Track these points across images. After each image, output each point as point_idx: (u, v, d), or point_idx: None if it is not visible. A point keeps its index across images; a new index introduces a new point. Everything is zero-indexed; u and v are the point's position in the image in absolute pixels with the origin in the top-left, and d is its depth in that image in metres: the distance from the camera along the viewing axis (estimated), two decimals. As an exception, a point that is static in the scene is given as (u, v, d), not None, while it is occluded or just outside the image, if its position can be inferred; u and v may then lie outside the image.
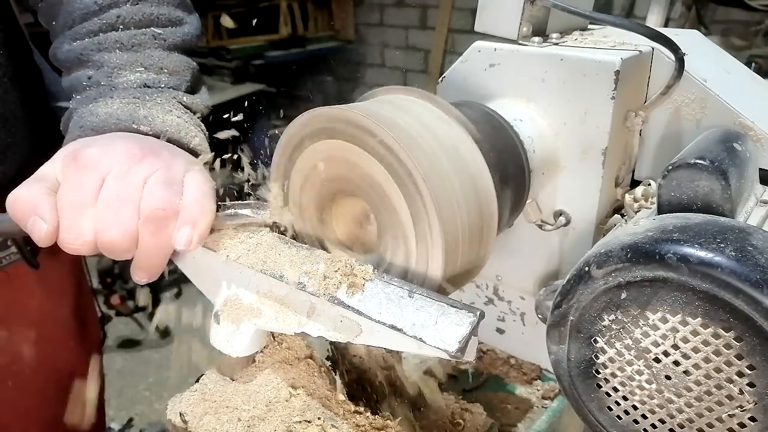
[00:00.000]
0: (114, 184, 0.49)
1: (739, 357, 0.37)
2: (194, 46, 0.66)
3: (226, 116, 0.65)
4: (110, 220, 0.48)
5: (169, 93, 0.61)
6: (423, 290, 0.45)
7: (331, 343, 0.61)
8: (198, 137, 0.61)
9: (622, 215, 0.62)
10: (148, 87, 0.60)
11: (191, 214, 0.50)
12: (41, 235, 0.48)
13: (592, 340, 0.44)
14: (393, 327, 0.42)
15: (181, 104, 0.62)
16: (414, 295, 0.44)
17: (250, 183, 0.56)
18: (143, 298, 2.50)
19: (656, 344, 0.41)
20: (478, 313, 0.42)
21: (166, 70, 0.61)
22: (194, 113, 0.63)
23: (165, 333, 2.58)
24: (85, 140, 0.55)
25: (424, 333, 0.41)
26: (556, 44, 0.65)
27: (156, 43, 0.61)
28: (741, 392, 0.38)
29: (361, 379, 0.61)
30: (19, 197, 0.50)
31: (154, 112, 0.58)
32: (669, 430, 0.42)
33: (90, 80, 0.61)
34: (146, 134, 0.57)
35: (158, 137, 0.57)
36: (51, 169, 0.52)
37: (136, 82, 0.60)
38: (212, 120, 0.66)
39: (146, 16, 0.61)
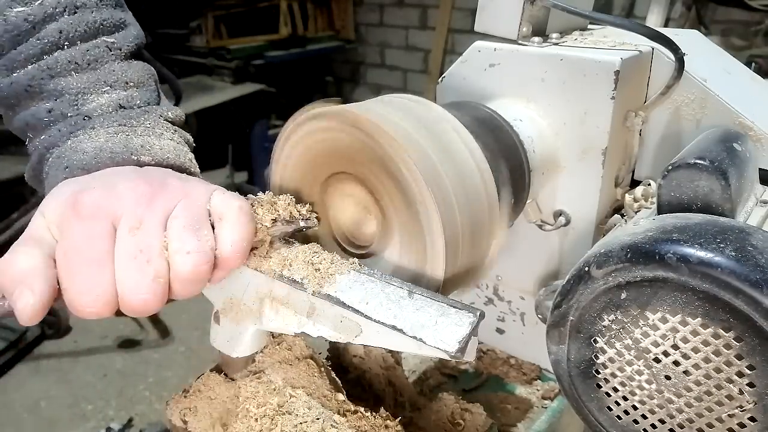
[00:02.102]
0: (131, 237, 0.42)
1: (739, 357, 0.37)
2: (143, 48, 0.58)
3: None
4: (137, 281, 0.42)
5: (153, 111, 0.54)
6: (423, 290, 0.45)
7: (331, 343, 0.61)
8: (189, 154, 0.55)
9: (622, 215, 0.62)
10: (123, 108, 0.53)
11: (228, 263, 0.46)
12: (26, 309, 0.40)
13: (592, 340, 0.44)
14: (393, 327, 0.42)
15: (168, 121, 0.55)
16: (414, 295, 0.44)
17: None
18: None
19: (656, 344, 0.41)
20: (478, 313, 0.42)
21: (131, 84, 0.54)
22: (178, 126, 0.57)
23: (165, 333, 2.58)
24: (80, 182, 0.46)
25: (424, 333, 0.41)
26: (556, 44, 0.65)
27: (112, 54, 0.53)
28: (741, 392, 0.38)
29: (361, 379, 0.61)
30: (6, 265, 0.41)
31: (148, 138, 0.52)
32: (669, 430, 0.42)
33: (51, 114, 0.51)
34: (147, 164, 0.50)
35: (160, 166, 0.51)
36: (42, 224, 0.44)
37: (110, 106, 0.52)
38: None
39: (90, 25, 0.52)
